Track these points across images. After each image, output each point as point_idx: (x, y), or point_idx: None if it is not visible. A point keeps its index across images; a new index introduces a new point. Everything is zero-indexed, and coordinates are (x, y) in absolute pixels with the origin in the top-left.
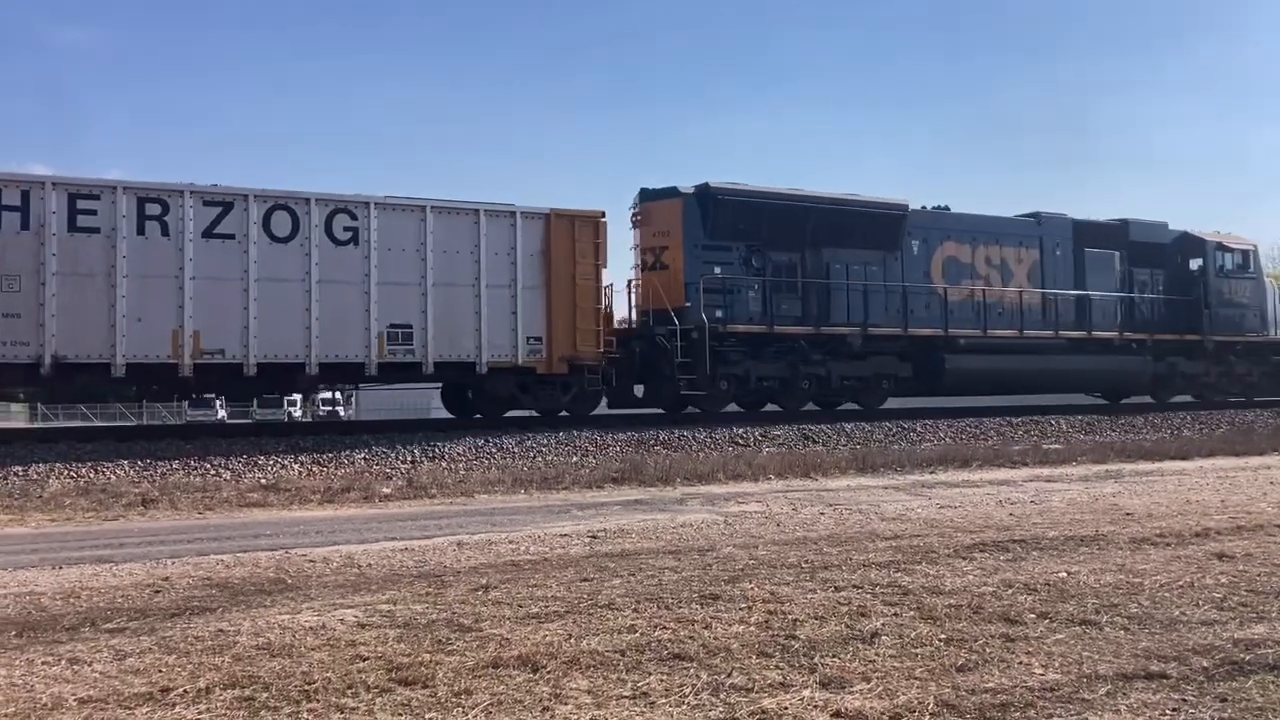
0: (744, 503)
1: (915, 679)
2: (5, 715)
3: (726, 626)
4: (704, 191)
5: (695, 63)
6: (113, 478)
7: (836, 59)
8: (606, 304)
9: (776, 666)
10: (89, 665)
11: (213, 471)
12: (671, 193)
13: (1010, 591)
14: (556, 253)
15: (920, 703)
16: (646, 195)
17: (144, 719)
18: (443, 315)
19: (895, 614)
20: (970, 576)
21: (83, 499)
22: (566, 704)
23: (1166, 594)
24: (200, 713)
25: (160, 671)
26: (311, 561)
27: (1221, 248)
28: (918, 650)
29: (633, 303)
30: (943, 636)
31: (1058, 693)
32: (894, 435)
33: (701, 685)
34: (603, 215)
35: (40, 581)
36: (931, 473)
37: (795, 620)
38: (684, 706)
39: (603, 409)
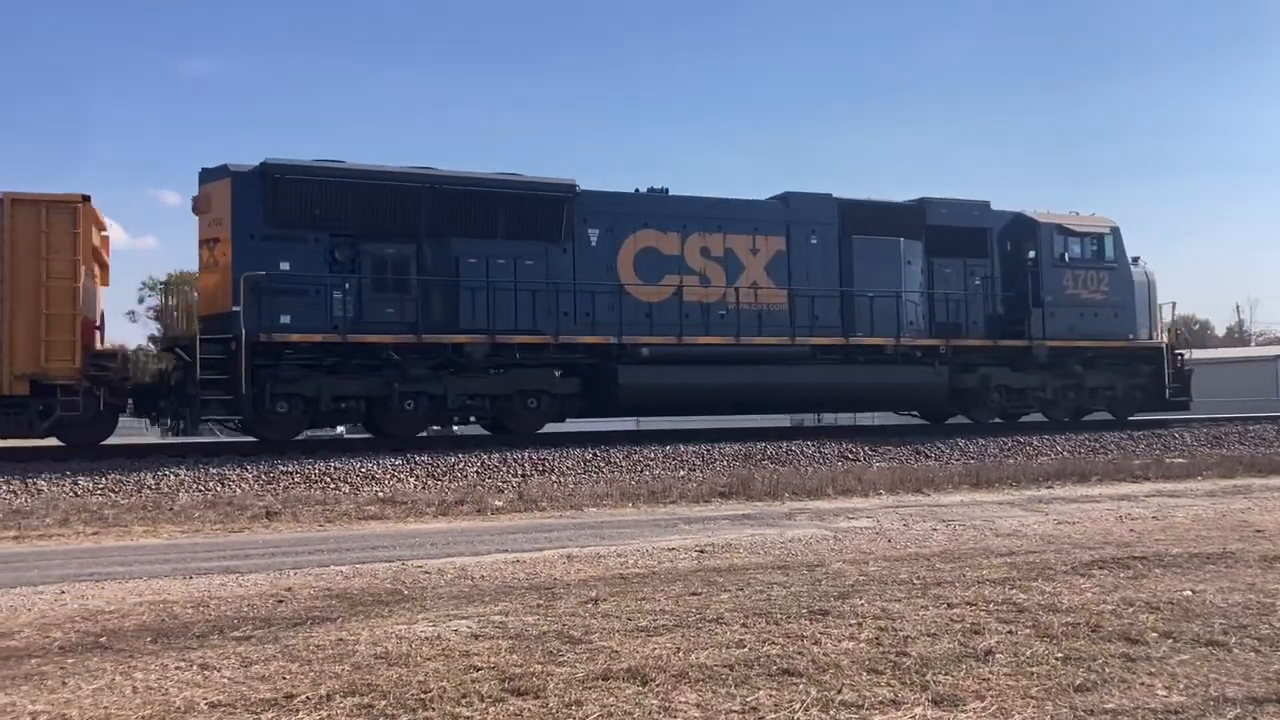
0: (854, 518)
1: (1031, 698)
2: (142, 717)
3: (836, 643)
4: (264, 169)
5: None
6: (238, 491)
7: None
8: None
9: (887, 684)
10: (218, 671)
11: (332, 485)
12: (222, 172)
13: (1131, 610)
14: (17, 247)
15: None
16: (204, 176)
17: None
18: None
19: (1010, 632)
20: (1089, 594)
21: (210, 511)
22: (675, 717)
23: None
24: (323, 718)
25: (284, 678)
26: (427, 573)
27: (1062, 230)
28: (1034, 669)
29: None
30: (1060, 655)
31: (1182, 716)
32: (1009, 450)
33: (811, 701)
34: (84, 200)
35: (172, 590)
36: (1048, 487)
37: (907, 637)
38: None
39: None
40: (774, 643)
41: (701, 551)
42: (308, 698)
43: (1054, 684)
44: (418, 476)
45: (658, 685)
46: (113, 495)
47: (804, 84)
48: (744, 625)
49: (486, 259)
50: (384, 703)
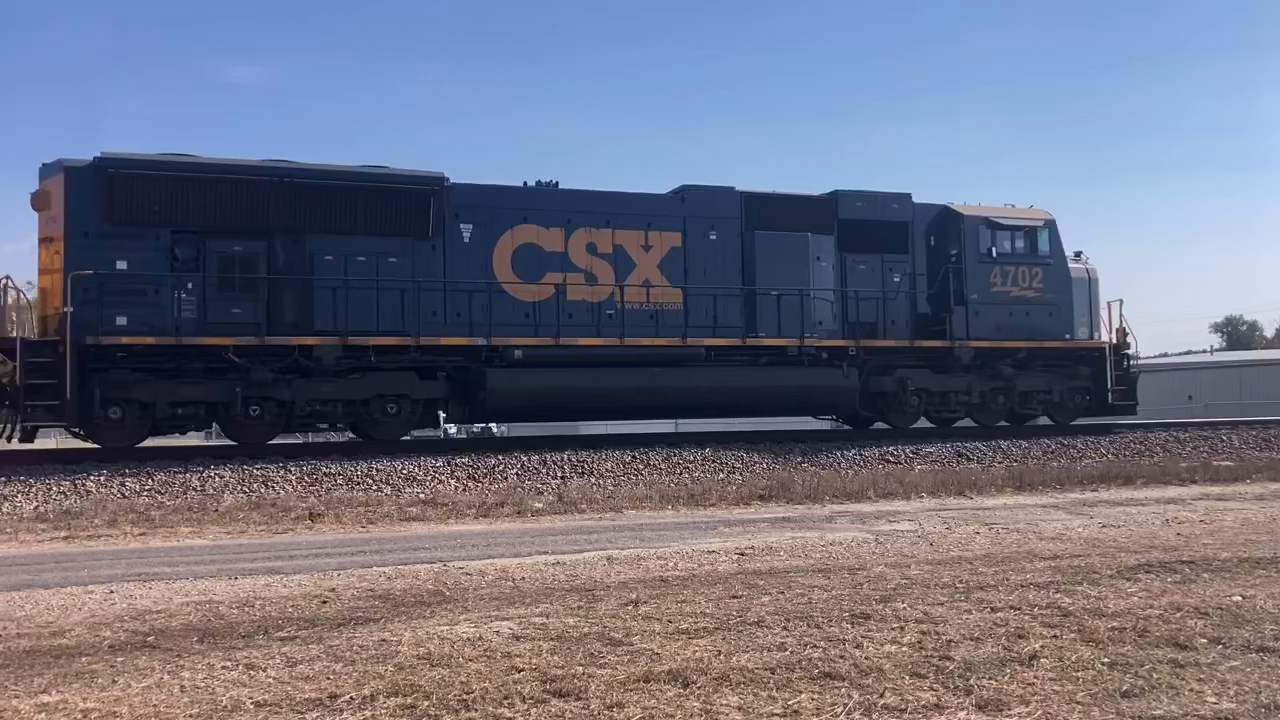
0: (895, 521)
1: (1077, 703)
2: (190, 716)
3: (878, 646)
4: (99, 164)
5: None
6: (282, 493)
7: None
8: None
9: (930, 687)
10: (263, 671)
11: (374, 487)
12: (57, 167)
13: (1179, 615)
14: None
15: None
16: (43, 171)
17: None
18: None
19: (1055, 636)
20: (1135, 598)
21: (255, 513)
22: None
23: None
24: (367, 718)
25: (328, 678)
26: (468, 574)
27: (989, 224)
28: (1079, 674)
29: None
30: (1106, 660)
31: None
32: (1052, 452)
33: (853, 705)
34: None
35: (218, 591)
36: (1093, 490)
37: (950, 641)
38: None
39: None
40: (815, 646)
41: (742, 554)
42: (352, 698)
43: (1100, 689)
44: (458, 478)
45: (699, 687)
46: (159, 496)
47: (827, 84)
48: (785, 628)
49: (345, 256)
50: (427, 703)
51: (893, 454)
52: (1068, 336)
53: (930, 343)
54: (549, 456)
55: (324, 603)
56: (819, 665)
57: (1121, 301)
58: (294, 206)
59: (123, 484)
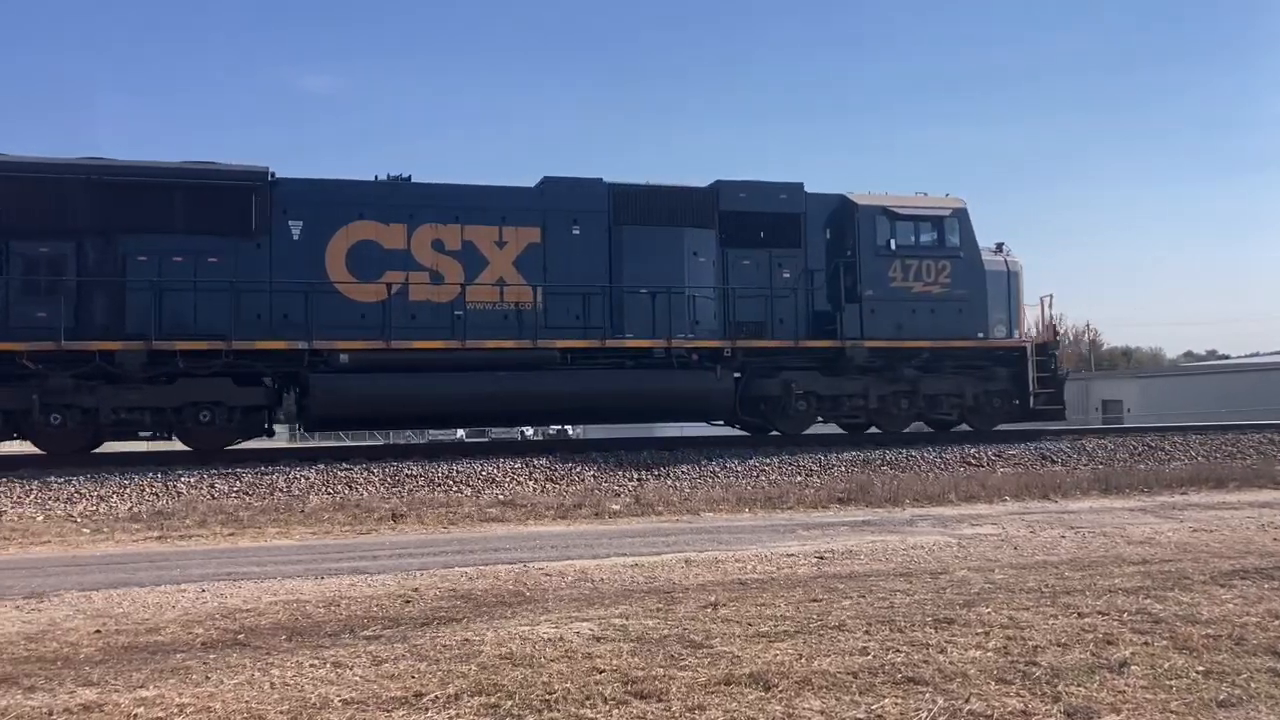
0: (977, 525)
1: (1171, 712)
2: (280, 712)
3: (962, 651)
4: None
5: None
6: (365, 494)
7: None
8: None
9: (1017, 694)
10: (350, 669)
11: (454, 488)
12: None
13: (1277, 623)
14: None
15: None
16: None
17: None
18: None
19: (1146, 643)
20: (1230, 605)
21: (339, 514)
22: None
23: None
24: (451, 717)
25: (413, 677)
26: (548, 575)
27: (888, 214)
28: (1172, 682)
29: None
30: (1200, 668)
31: None
32: (1139, 454)
33: (938, 710)
34: None
35: (305, 590)
36: (1182, 494)
37: (1036, 647)
38: None
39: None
40: (898, 651)
41: (821, 558)
42: (436, 696)
43: (1195, 698)
44: (536, 480)
45: (780, 691)
46: (247, 498)
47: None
48: (867, 632)
49: (160, 256)
50: (510, 703)
51: (974, 456)
52: (981, 335)
53: (818, 343)
54: (625, 458)
55: (407, 602)
56: (902, 670)
57: (1051, 296)
58: (104, 206)
59: (212, 485)
